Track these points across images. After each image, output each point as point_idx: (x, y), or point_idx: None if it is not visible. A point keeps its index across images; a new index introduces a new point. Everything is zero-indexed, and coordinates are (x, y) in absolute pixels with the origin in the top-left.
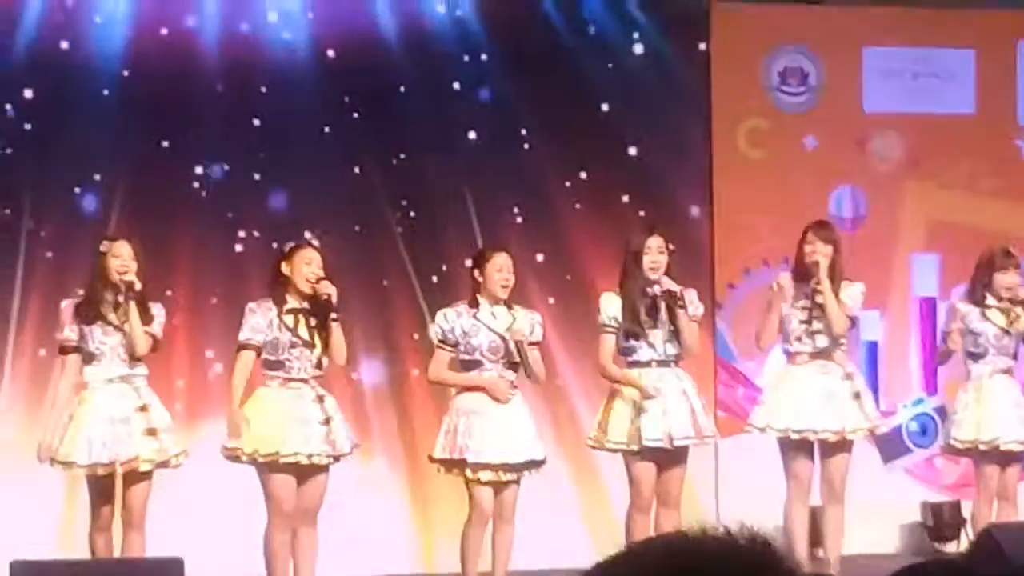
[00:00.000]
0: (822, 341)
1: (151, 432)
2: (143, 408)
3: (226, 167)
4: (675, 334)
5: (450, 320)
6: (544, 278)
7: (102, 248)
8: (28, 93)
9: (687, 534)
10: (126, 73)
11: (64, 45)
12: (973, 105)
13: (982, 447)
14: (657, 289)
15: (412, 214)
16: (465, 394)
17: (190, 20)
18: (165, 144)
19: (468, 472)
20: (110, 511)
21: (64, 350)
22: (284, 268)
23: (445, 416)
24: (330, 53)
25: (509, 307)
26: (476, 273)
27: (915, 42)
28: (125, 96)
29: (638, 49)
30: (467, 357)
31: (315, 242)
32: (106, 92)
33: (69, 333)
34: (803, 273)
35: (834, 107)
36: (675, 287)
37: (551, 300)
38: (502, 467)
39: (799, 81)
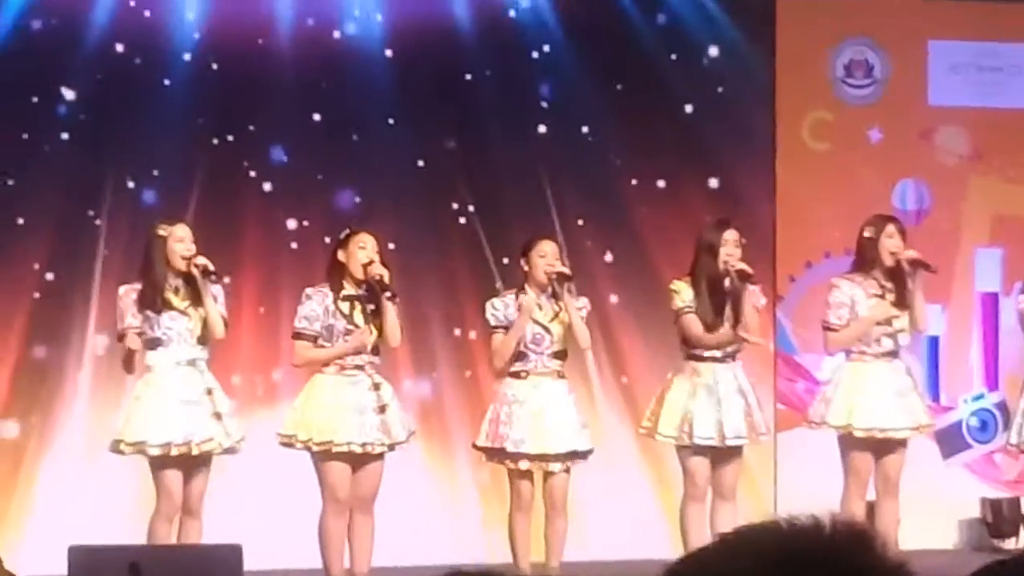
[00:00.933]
0: (903, 339)
1: (217, 416)
2: (209, 392)
3: (287, 160)
4: (736, 323)
5: (499, 308)
6: (612, 276)
7: (160, 232)
8: (87, 86)
9: (778, 525)
10: (188, 63)
11: (124, 40)
12: None
13: None
14: (730, 267)
15: (472, 207)
16: (509, 381)
17: (258, 14)
18: (230, 138)
19: (508, 462)
20: (178, 497)
21: (126, 337)
22: (340, 255)
23: (491, 403)
24: (390, 50)
25: (557, 297)
26: (523, 262)
27: (980, 36)
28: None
29: (711, 45)
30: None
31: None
32: (167, 82)
33: (132, 320)
34: (867, 265)
35: (899, 100)
36: (746, 268)
37: (614, 298)
38: (541, 457)
39: (864, 74)
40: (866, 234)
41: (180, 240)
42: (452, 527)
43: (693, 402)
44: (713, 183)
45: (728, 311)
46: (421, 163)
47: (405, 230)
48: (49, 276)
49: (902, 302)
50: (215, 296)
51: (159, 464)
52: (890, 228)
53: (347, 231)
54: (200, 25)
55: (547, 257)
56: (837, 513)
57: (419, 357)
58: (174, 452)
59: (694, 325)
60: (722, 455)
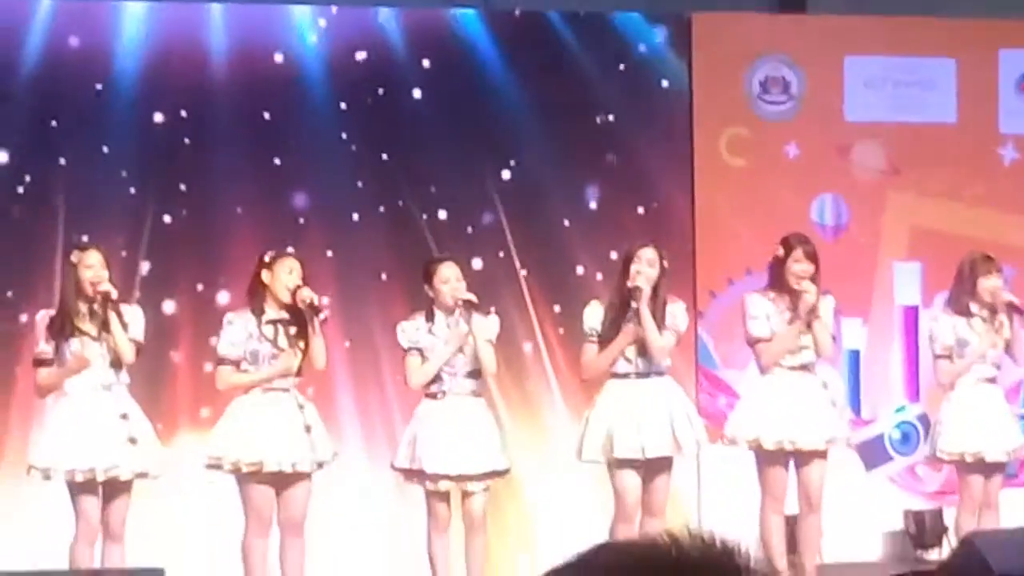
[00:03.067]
0: (808, 356)
1: (132, 441)
2: (124, 416)
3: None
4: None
5: (406, 332)
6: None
7: (72, 259)
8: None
9: (634, 542)
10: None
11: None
12: (955, 113)
13: (968, 459)
14: (636, 301)
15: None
16: (424, 403)
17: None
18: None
19: (428, 483)
20: (95, 521)
21: (40, 363)
22: (264, 277)
23: (407, 425)
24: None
25: (468, 317)
26: (426, 288)
27: (896, 51)
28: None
29: (625, 60)
30: None
31: (290, 250)
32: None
33: (44, 347)
34: (779, 285)
35: (816, 116)
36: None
37: (556, 308)
38: (460, 478)
39: (781, 90)
40: (778, 254)
41: (89, 267)
42: (374, 549)
43: (613, 420)
44: (632, 200)
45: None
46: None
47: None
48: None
49: (807, 327)
50: (128, 321)
51: (74, 490)
52: (798, 252)
53: (271, 254)
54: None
55: (450, 282)
56: (706, 531)
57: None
58: (79, 479)
59: (587, 354)
60: (651, 470)
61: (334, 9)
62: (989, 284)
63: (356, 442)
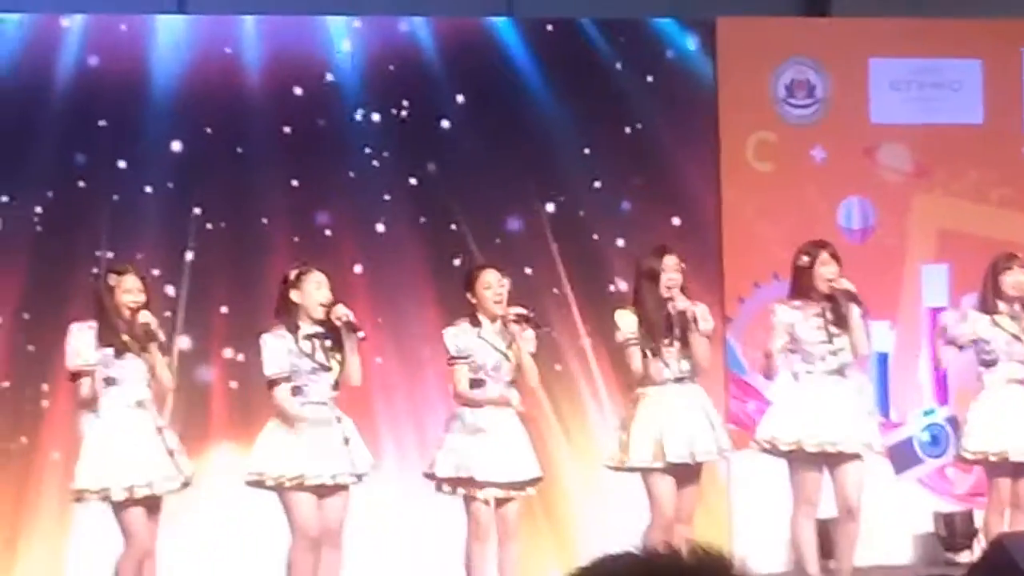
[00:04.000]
0: (844, 358)
1: (170, 453)
2: (159, 430)
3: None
4: (686, 351)
5: (457, 337)
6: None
7: (110, 282)
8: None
9: (633, 554)
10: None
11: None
12: (980, 114)
13: (992, 458)
14: (672, 308)
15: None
16: (467, 411)
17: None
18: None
19: (476, 490)
20: (144, 539)
21: (80, 375)
22: (294, 296)
23: (446, 434)
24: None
25: (505, 324)
26: (468, 295)
27: (921, 52)
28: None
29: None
30: (471, 376)
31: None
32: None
33: (88, 358)
34: (804, 292)
35: (841, 119)
36: (689, 306)
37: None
38: (507, 485)
39: (806, 93)
40: (800, 262)
41: (128, 291)
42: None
43: (661, 424)
44: (659, 206)
45: (675, 337)
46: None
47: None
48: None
49: (842, 325)
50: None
51: (122, 508)
52: (824, 255)
53: (297, 269)
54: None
55: (492, 288)
56: (698, 541)
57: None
58: (137, 495)
59: (635, 359)
60: (686, 477)
61: (356, 22)
62: (1011, 279)
63: (389, 452)
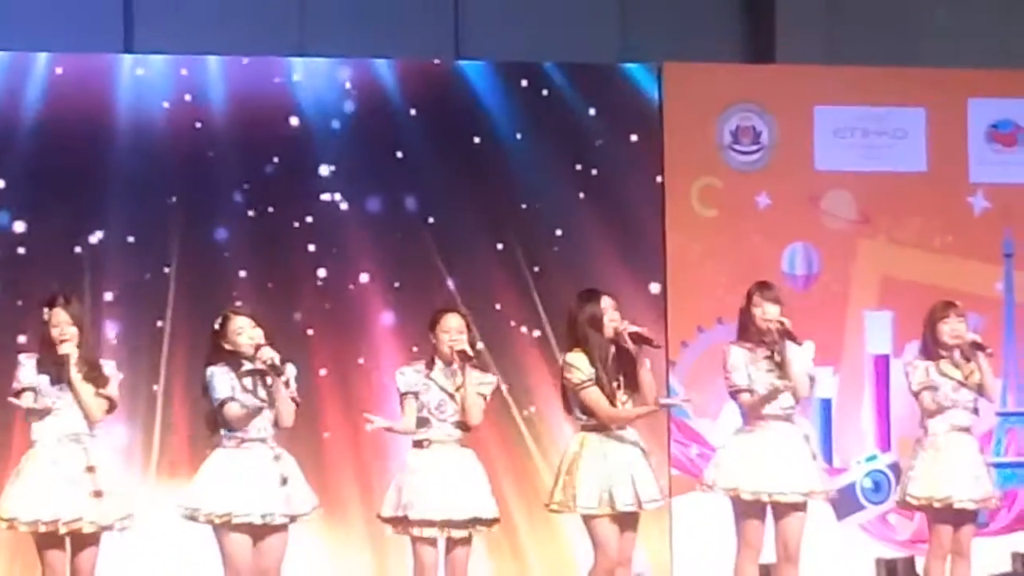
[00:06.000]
0: (786, 401)
1: (97, 494)
2: (90, 469)
3: None
4: (632, 393)
5: (405, 375)
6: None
7: (44, 316)
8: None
9: None
10: None
11: None
12: (925, 162)
13: (936, 504)
14: (625, 341)
15: None
16: (412, 451)
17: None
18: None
19: (414, 530)
20: (62, 574)
21: (22, 392)
22: (225, 345)
23: (397, 474)
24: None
25: (463, 368)
26: (431, 335)
27: (866, 100)
28: None
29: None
30: (417, 414)
31: (239, 304)
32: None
33: (29, 383)
34: (750, 335)
35: (786, 165)
36: (639, 329)
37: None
38: (445, 524)
39: (751, 140)
40: (744, 304)
41: (55, 326)
42: None
43: (608, 470)
44: (604, 250)
45: (621, 379)
46: None
47: None
48: None
49: (782, 370)
50: (109, 376)
51: (39, 541)
52: (756, 298)
53: (220, 318)
54: None
55: (451, 333)
56: None
57: None
58: (41, 530)
59: (602, 400)
60: (628, 522)
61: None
62: (948, 327)
63: (349, 492)
